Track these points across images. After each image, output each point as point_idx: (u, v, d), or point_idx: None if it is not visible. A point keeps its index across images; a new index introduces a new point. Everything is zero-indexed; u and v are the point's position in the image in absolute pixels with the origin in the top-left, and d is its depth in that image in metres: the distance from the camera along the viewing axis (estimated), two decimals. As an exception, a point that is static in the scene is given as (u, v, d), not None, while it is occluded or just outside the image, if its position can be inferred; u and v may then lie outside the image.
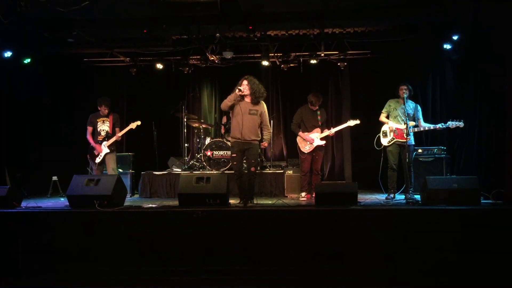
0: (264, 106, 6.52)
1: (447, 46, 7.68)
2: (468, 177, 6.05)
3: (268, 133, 6.57)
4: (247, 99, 6.38)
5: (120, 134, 7.37)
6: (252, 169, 6.41)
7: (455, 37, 7.42)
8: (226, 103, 6.38)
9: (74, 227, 5.62)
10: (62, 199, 7.62)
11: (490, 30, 6.11)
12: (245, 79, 6.39)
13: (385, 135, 7.13)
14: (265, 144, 6.61)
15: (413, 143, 6.86)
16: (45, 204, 6.79)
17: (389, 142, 7.05)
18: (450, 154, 7.61)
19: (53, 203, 7.03)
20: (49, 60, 8.78)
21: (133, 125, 7.39)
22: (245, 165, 6.69)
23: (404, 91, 6.87)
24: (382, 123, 7.18)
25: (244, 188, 6.44)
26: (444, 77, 8.28)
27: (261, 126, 6.50)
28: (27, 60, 8.25)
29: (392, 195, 6.95)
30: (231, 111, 6.50)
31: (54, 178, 8.25)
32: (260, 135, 6.48)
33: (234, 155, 6.42)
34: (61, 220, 5.67)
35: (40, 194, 8.26)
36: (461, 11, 6.60)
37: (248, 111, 6.33)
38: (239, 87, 6.29)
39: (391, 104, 7.16)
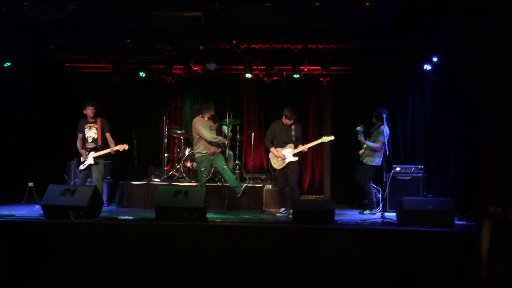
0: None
1: (427, 67, 7.80)
2: (442, 199, 6.17)
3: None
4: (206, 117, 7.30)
5: (105, 151, 7.15)
6: (224, 166, 7.31)
7: (434, 59, 7.55)
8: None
9: (48, 238, 5.56)
10: (37, 206, 7.50)
11: (466, 57, 6.23)
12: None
13: None
14: None
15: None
16: (20, 212, 6.70)
17: None
18: (427, 173, 7.71)
19: (27, 211, 6.92)
20: (29, 64, 8.63)
21: (120, 147, 7.18)
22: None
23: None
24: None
25: None
26: (424, 96, 8.38)
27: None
28: (7, 64, 8.11)
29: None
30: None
31: (30, 184, 8.10)
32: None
33: (203, 168, 7.18)
34: (34, 230, 5.61)
35: (15, 200, 8.12)
36: (441, 38, 6.76)
37: (209, 127, 7.23)
38: None
39: None
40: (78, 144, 7.31)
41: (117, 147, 7.17)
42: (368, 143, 7.31)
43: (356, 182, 7.60)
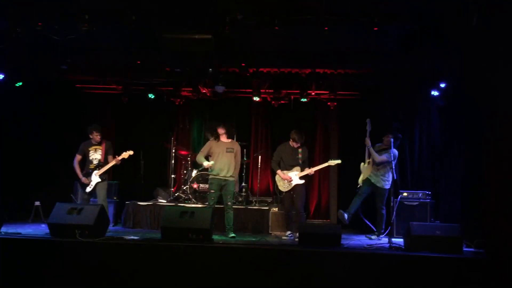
0: (238, 145, 7.21)
1: (434, 93, 7.83)
2: (450, 225, 6.09)
3: (237, 171, 7.18)
4: (223, 138, 7.06)
5: (110, 164, 7.14)
6: (229, 203, 6.96)
7: (442, 85, 7.58)
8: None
9: (53, 256, 5.55)
10: (43, 225, 7.49)
11: (474, 82, 6.25)
12: (219, 128, 7.09)
13: None
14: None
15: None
16: (26, 230, 6.69)
17: None
18: (435, 199, 7.66)
19: (33, 230, 6.92)
20: (40, 84, 8.74)
21: (125, 155, 7.15)
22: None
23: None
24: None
25: None
26: (431, 121, 8.40)
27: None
28: (19, 84, 8.22)
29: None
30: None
31: (37, 203, 8.10)
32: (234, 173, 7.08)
33: (212, 191, 6.95)
34: (40, 248, 5.59)
35: (22, 219, 8.11)
36: (448, 62, 6.80)
37: (225, 149, 6.98)
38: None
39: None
40: (75, 165, 7.26)
41: (122, 156, 7.12)
42: (373, 151, 7.21)
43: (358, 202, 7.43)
